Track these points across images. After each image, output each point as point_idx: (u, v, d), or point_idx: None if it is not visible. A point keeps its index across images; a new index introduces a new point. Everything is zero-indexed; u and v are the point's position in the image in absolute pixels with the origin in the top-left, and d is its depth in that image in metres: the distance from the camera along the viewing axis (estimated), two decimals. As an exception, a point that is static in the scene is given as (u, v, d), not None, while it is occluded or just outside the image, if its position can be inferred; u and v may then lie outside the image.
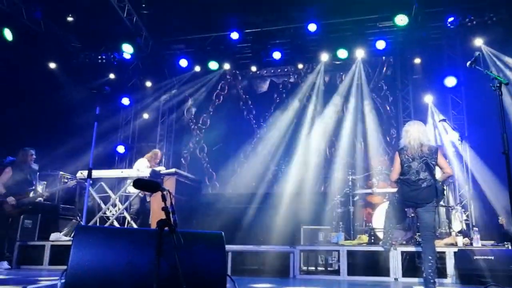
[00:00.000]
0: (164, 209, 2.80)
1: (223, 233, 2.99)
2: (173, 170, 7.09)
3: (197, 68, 10.55)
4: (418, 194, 5.02)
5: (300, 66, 9.98)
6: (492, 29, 8.33)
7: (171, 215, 2.82)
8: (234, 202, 9.48)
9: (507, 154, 3.54)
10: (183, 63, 10.25)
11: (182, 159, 10.62)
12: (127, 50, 9.61)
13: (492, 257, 5.22)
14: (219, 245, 2.96)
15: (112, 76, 10.38)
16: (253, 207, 8.97)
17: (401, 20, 8.52)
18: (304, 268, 6.99)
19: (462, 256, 5.52)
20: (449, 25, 8.55)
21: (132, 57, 10.03)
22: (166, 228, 2.76)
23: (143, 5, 8.56)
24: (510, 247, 5.76)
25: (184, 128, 10.96)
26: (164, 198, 2.83)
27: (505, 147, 3.55)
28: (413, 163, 5.05)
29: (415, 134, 5.14)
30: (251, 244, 6.93)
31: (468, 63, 4.21)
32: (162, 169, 6.95)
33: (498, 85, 3.74)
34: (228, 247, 6.32)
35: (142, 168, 7.45)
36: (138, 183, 2.84)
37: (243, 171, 10.11)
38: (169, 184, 6.78)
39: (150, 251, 2.70)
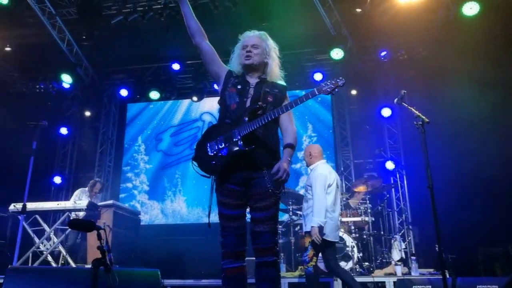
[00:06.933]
0: (100, 248, 2.83)
1: (159, 271, 3.03)
2: (110, 202, 6.96)
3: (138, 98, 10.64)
4: None
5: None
6: (422, 63, 8.83)
7: (106, 253, 2.85)
8: (175, 233, 9.43)
9: (431, 188, 3.83)
10: (123, 92, 10.26)
11: (121, 190, 10.42)
12: (67, 80, 9.47)
13: (430, 286, 5.28)
14: (155, 284, 3.00)
15: (50, 105, 10.17)
16: (195, 238, 8.94)
17: (337, 54, 8.78)
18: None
19: (401, 286, 5.56)
20: (382, 58, 9.02)
21: (71, 87, 9.88)
22: (102, 267, 2.79)
23: (84, 37, 8.57)
24: (447, 275, 5.93)
25: (123, 158, 10.79)
26: (99, 237, 2.86)
27: (429, 182, 3.84)
28: None
29: None
30: (192, 278, 6.80)
31: (395, 100, 4.52)
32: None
33: (421, 123, 4.05)
34: (167, 281, 6.25)
35: (79, 199, 7.31)
36: (73, 223, 2.86)
37: (183, 201, 10.06)
38: (107, 217, 6.63)
39: (85, 291, 2.71)
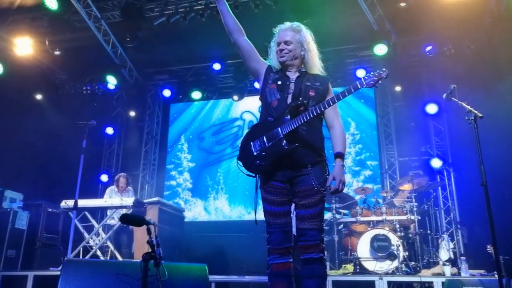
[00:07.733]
0: (149, 242, 2.90)
1: (206, 265, 3.07)
2: (156, 199, 7.13)
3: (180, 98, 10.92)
4: None
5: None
6: (470, 57, 8.42)
7: (155, 248, 2.91)
8: (218, 230, 9.54)
9: (486, 185, 3.68)
10: (166, 93, 10.49)
11: (165, 188, 10.65)
12: (112, 81, 9.81)
13: (481, 287, 5.04)
14: (202, 278, 3.05)
15: (96, 106, 10.54)
16: (237, 235, 9.01)
17: (380, 49, 8.55)
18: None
19: (451, 287, 5.29)
20: (427, 53, 8.73)
21: (116, 88, 10.21)
22: (151, 261, 2.86)
23: (127, 39, 8.82)
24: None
25: (167, 157, 11.00)
26: (149, 232, 2.93)
27: (483, 179, 3.70)
28: None
29: None
30: (235, 274, 6.84)
31: (444, 95, 4.38)
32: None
33: (473, 118, 3.91)
34: (211, 277, 6.32)
35: (109, 197, 7.54)
36: (125, 218, 2.94)
37: (225, 198, 10.16)
38: (152, 213, 6.79)
39: (136, 284, 2.79)
